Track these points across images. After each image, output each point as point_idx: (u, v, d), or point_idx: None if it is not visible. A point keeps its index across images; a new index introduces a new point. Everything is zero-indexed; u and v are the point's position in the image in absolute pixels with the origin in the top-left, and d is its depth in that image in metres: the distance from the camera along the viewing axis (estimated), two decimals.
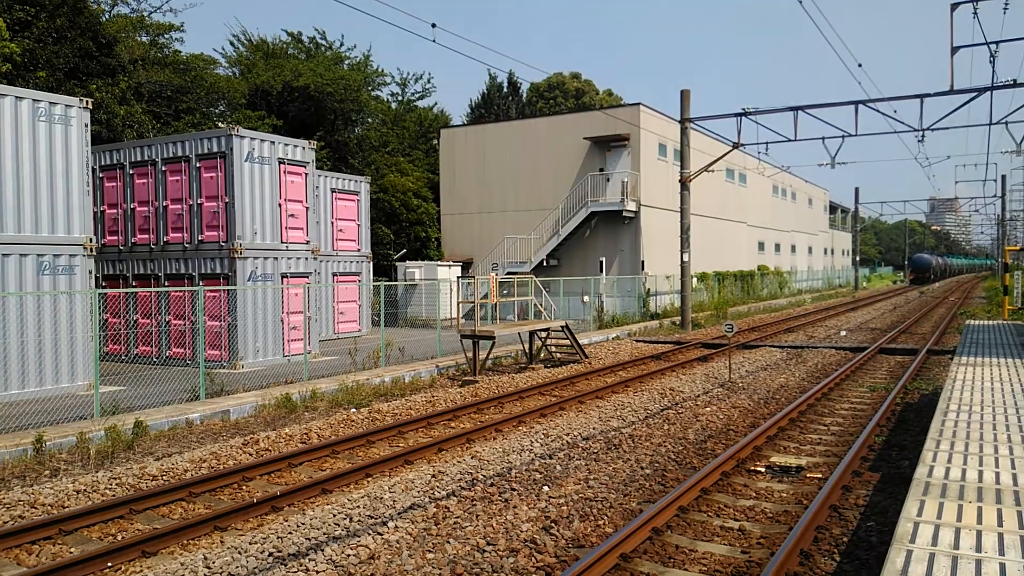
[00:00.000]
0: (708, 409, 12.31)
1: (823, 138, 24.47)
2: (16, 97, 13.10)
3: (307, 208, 18.81)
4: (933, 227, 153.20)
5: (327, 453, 9.86)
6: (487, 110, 53.25)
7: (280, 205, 18.08)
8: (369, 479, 8.76)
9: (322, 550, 6.35)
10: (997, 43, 19.77)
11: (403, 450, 9.65)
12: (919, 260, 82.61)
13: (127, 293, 17.97)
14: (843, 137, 23.86)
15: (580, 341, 19.29)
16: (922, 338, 22.89)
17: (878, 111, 22.36)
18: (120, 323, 18.67)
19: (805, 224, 60.28)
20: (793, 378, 15.68)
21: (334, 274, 23.79)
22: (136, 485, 8.40)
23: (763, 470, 8.82)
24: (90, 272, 14.00)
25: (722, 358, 18.85)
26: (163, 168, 18.09)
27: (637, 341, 23.26)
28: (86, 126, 14.11)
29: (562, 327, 18.35)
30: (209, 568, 6.00)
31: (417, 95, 47.66)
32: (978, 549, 4.43)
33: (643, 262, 31.08)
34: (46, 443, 9.72)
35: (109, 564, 6.30)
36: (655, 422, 11.38)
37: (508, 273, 30.78)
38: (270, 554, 6.28)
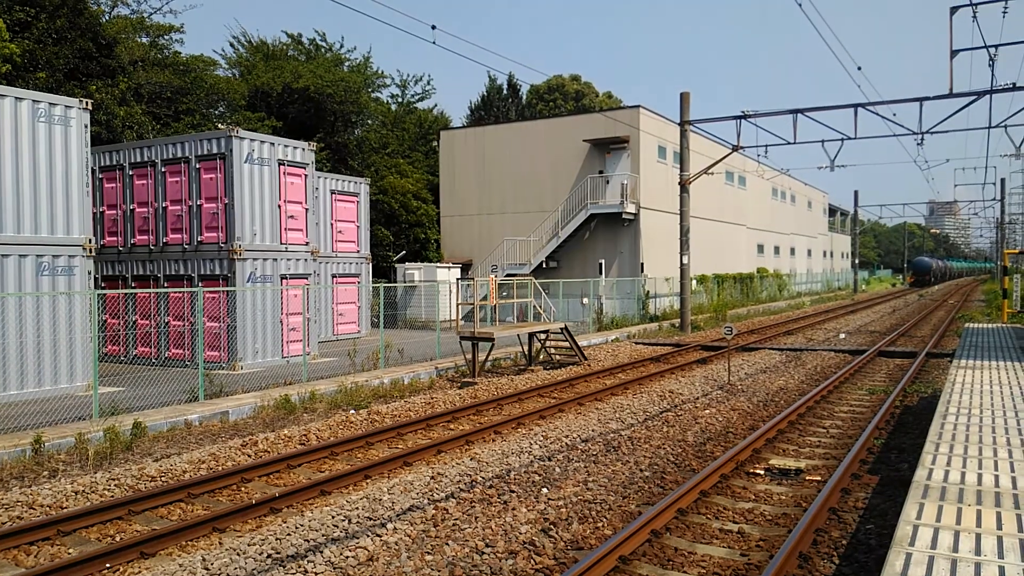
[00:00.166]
0: (707, 411, 12.31)
1: (822, 141, 24.49)
2: (16, 98, 13.10)
3: (307, 209, 18.81)
4: (932, 230, 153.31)
5: (326, 454, 9.86)
6: (487, 112, 53.31)
7: (279, 206, 18.08)
8: (368, 481, 8.76)
9: (321, 552, 6.34)
10: (996, 46, 19.79)
11: (402, 452, 9.64)
12: (919, 263, 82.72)
13: (126, 294, 17.97)
14: (842, 140, 23.89)
15: (579, 343, 19.29)
16: (921, 341, 22.90)
17: (877, 114, 22.39)
18: (119, 324, 18.66)
19: (804, 227, 60.33)
20: (792, 381, 15.68)
21: (333, 275, 23.79)
22: (135, 486, 8.39)
23: (762, 472, 8.81)
24: (89, 273, 13.99)
25: (721, 360, 18.84)
26: (163, 169, 18.09)
27: (636, 343, 23.25)
28: (86, 127, 14.11)
29: (561, 329, 18.35)
30: (207, 569, 6.00)
31: (417, 97, 47.73)
32: (977, 552, 4.43)
33: (642, 264, 31.09)
34: (45, 444, 9.71)
35: (108, 565, 6.29)
36: (654, 424, 11.38)
37: (507, 275, 30.80)
38: (268, 555, 6.28)
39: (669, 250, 31.12)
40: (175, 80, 28.37)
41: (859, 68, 23.17)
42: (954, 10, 19.67)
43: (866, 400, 13.50)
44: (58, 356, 13.31)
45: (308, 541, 6.59)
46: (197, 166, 17.52)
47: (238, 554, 6.28)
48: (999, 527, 4.84)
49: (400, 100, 47.26)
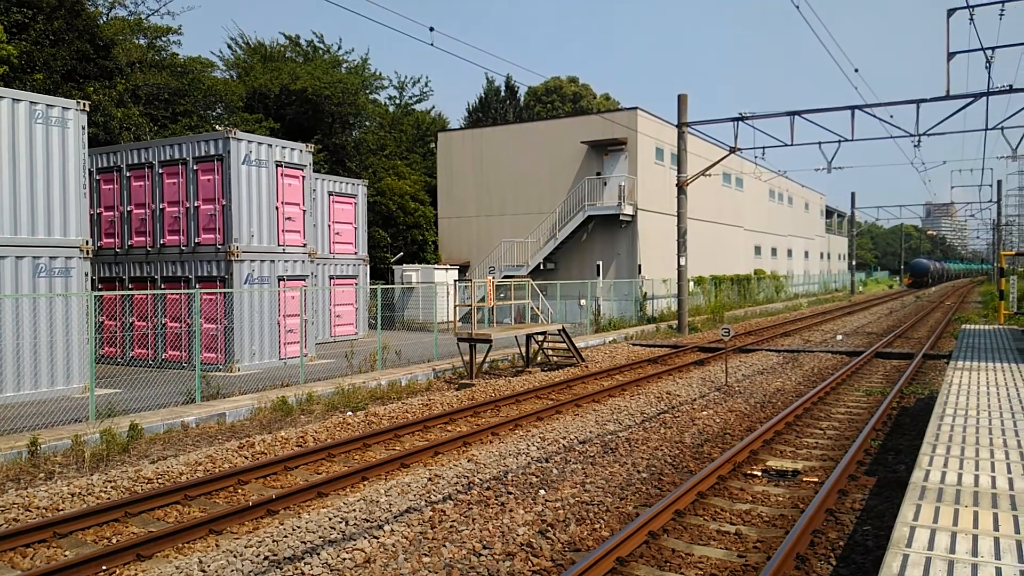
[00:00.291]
0: (705, 413, 12.31)
1: (820, 143, 24.50)
2: (13, 99, 13.08)
3: (304, 211, 18.79)
4: (929, 232, 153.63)
5: (323, 456, 9.84)
6: (485, 114, 53.34)
7: (277, 208, 18.06)
8: (365, 482, 8.74)
9: (318, 554, 6.33)
10: (993, 49, 19.83)
11: (399, 453, 9.63)
12: (917, 264, 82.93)
13: (123, 295, 17.94)
14: (840, 142, 23.91)
15: (577, 345, 19.28)
16: (918, 342, 22.93)
17: (875, 116, 22.43)
18: (116, 326, 18.63)
19: (801, 228, 60.41)
20: (789, 382, 15.70)
21: (331, 277, 23.77)
22: (131, 488, 8.37)
23: (759, 474, 8.82)
24: (86, 274, 13.97)
25: (719, 362, 18.86)
26: (160, 171, 18.08)
27: (634, 345, 23.26)
28: (83, 128, 14.09)
29: (559, 331, 18.35)
30: (204, 571, 5.99)
31: (415, 98, 47.76)
32: (974, 553, 4.43)
33: (640, 266, 31.11)
34: (41, 446, 9.68)
35: (104, 567, 6.27)
36: (652, 426, 11.37)
37: (505, 276, 30.79)
38: (265, 557, 6.27)
39: (666, 252, 31.15)
40: (173, 82, 28.36)
41: (856, 70, 23.24)
42: (951, 12, 19.71)
43: (863, 402, 13.51)
44: (55, 358, 13.28)
45: (305, 543, 6.58)
46: (194, 168, 17.51)
47: (235, 556, 6.27)
48: (996, 528, 4.84)
49: (398, 102, 47.30)
